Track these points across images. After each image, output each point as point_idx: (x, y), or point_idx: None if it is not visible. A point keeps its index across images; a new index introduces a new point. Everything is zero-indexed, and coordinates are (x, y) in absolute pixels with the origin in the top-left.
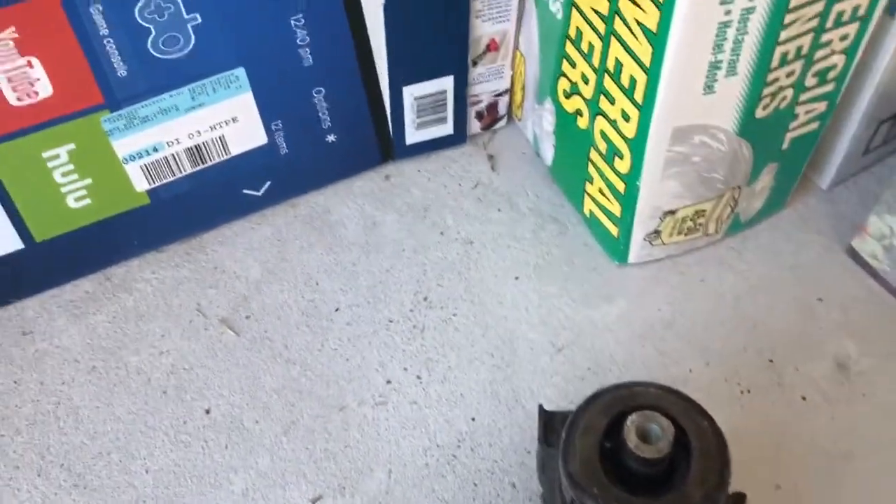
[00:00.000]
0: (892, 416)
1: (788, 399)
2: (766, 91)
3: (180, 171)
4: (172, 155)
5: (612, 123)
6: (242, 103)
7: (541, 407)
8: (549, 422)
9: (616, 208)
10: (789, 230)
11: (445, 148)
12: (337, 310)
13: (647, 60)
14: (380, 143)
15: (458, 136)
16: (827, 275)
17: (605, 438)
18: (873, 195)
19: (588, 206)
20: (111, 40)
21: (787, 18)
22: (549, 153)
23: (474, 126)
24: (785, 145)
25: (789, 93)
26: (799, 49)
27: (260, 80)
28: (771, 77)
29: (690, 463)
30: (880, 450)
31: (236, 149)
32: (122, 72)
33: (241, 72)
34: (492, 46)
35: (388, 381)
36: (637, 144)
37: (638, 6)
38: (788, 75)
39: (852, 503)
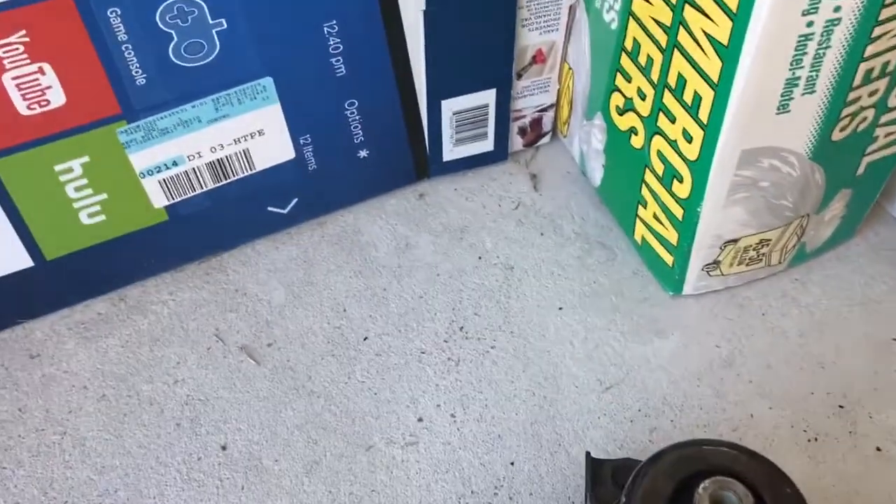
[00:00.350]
0: None
1: (861, 450)
2: (846, 111)
3: (201, 187)
4: (193, 169)
5: (672, 144)
6: (269, 115)
7: (588, 454)
8: (598, 471)
9: (672, 235)
10: (859, 261)
11: (485, 165)
12: (366, 339)
13: (715, 76)
14: (415, 160)
15: (499, 153)
16: None
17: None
18: None
19: (640, 231)
20: (129, 46)
21: (876, 31)
22: (597, 173)
23: (516, 143)
24: (860, 170)
25: (870, 113)
26: (885, 65)
27: (289, 90)
28: (852, 96)
29: None
30: None
31: (262, 163)
32: (140, 80)
33: (268, 81)
34: (538, 58)
35: (420, 419)
36: (700, 167)
37: (707, 16)
38: (871, 94)
39: None
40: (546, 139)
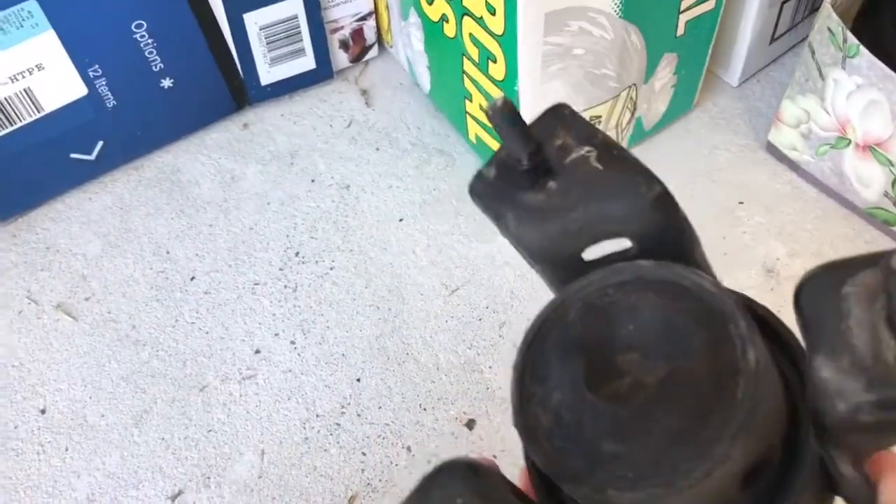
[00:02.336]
0: None
1: None
2: None
3: None
4: None
5: (480, 22)
6: (45, 45)
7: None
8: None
9: None
10: (701, 132)
11: (310, 86)
12: (192, 278)
13: None
14: (230, 87)
15: (323, 71)
16: (747, 174)
17: None
18: (787, 87)
19: (473, 129)
20: None
21: None
22: (425, 77)
23: (341, 59)
24: (680, 31)
25: None
26: None
27: (61, 14)
28: None
29: None
30: None
31: (51, 104)
32: None
33: (33, 5)
34: None
35: (257, 351)
36: (508, 41)
37: None
38: None
39: None
40: (373, 52)
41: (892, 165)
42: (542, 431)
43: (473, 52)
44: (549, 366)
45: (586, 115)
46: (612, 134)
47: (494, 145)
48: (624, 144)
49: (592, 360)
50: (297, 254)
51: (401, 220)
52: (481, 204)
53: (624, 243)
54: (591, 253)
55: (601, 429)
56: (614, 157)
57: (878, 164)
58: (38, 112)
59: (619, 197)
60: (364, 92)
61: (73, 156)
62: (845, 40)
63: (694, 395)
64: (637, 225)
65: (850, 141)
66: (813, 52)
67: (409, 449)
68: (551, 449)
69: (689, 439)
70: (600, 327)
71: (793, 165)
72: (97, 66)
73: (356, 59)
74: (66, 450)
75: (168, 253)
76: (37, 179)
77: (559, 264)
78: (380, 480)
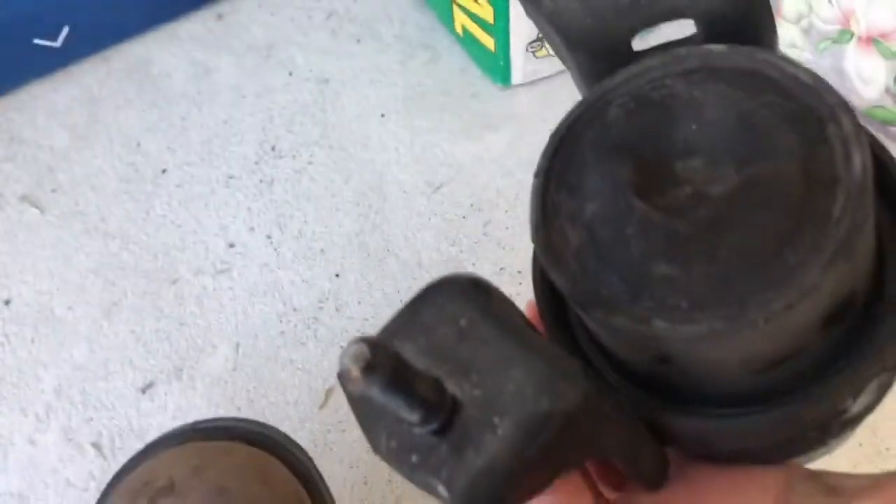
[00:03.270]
0: None
1: None
2: None
3: None
4: None
5: None
6: None
7: None
8: None
9: (488, 11)
10: None
11: None
12: (164, 171)
13: None
14: None
15: None
16: None
17: None
18: None
19: (459, 19)
20: None
21: None
22: None
23: None
24: None
25: None
26: None
27: None
28: None
29: None
30: None
31: None
32: None
33: None
34: None
35: (231, 245)
36: None
37: None
38: None
39: None
40: None
41: None
42: (570, 249)
43: None
44: (583, 171)
45: None
46: None
47: (482, 37)
48: None
49: (642, 165)
50: (273, 148)
51: (382, 115)
52: None
53: (686, 28)
54: (643, 42)
55: (650, 246)
56: None
57: (881, 58)
58: None
59: None
60: None
61: (38, 41)
62: None
63: (775, 210)
64: (709, 1)
65: (852, 34)
66: None
67: None
68: (581, 270)
69: (767, 263)
70: (653, 126)
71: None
72: None
73: None
74: (32, 341)
75: (138, 146)
76: (1, 66)
77: (602, 52)
78: None
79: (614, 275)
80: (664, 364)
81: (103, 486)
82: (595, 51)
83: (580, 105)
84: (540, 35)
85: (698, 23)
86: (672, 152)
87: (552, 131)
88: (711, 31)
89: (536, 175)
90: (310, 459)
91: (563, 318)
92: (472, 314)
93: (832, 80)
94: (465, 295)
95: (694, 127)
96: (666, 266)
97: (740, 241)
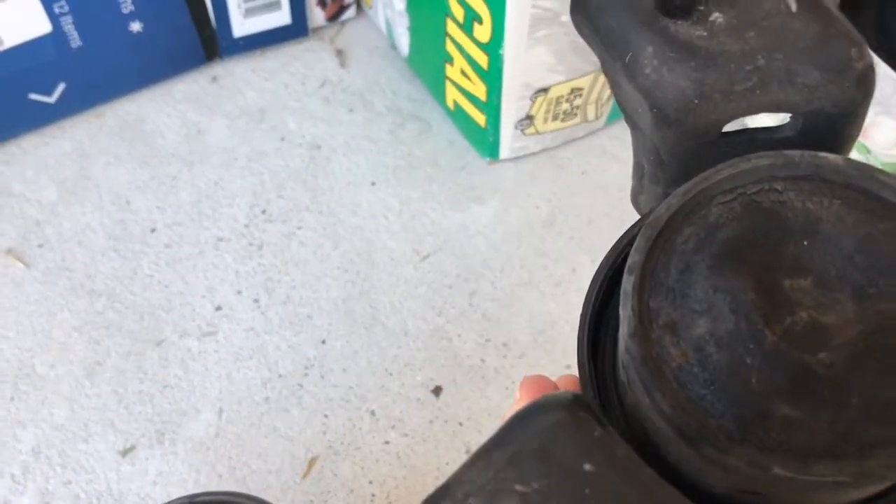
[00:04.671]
0: None
1: None
2: None
3: None
4: None
5: None
6: None
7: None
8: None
9: (481, 89)
10: None
11: (285, 42)
12: (153, 230)
13: None
14: (202, 36)
15: (298, 28)
16: None
17: None
18: None
19: (451, 95)
20: None
21: None
22: (404, 40)
23: (317, 17)
24: None
25: None
26: None
27: None
28: None
29: None
30: None
31: (12, 38)
32: None
33: None
34: None
35: (218, 308)
36: (497, 1)
37: None
38: None
39: None
40: (350, 13)
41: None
42: (670, 367)
43: (459, 12)
44: (689, 279)
45: (568, 87)
46: (592, 108)
47: (473, 113)
48: (602, 120)
49: (760, 283)
50: (263, 211)
51: (373, 183)
52: (598, 26)
53: (776, 118)
54: (733, 124)
55: (776, 382)
56: (815, 3)
57: None
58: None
59: (820, 57)
60: (339, 52)
61: (33, 96)
62: None
63: None
64: (823, 100)
65: None
66: None
67: (373, 413)
68: (682, 393)
69: (892, 413)
70: (763, 236)
71: None
72: (63, 1)
73: (333, 19)
74: (12, 399)
75: (128, 203)
76: None
77: (694, 131)
78: (341, 443)
79: (727, 406)
80: (752, 495)
81: None
82: (688, 130)
83: (678, 195)
84: (530, 113)
85: (796, 118)
86: (781, 268)
87: (647, 222)
88: (805, 125)
89: (630, 271)
90: None
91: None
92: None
93: None
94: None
95: (806, 243)
96: (791, 407)
97: (872, 388)
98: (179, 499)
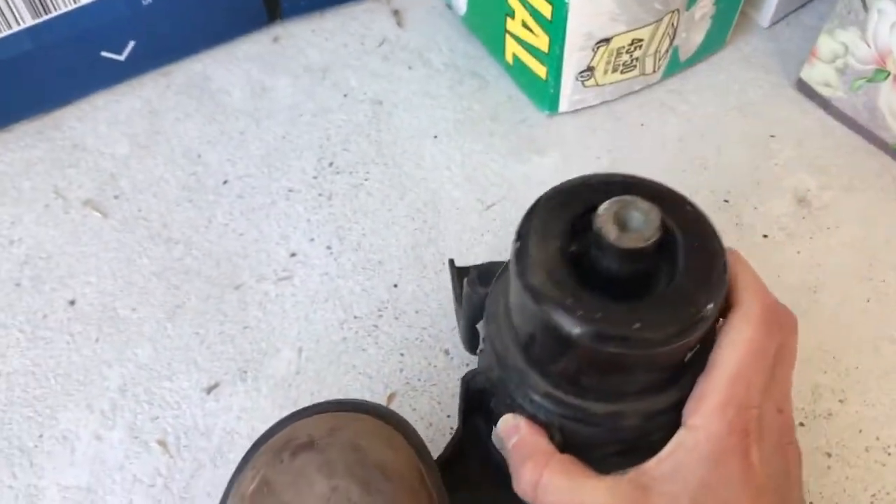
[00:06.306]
0: (857, 248)
1: (749, 238)
2: None
3: (18, 23)
4: (6, 1)
5: None
6: None
7: (451, 262)
8: (464, 275)
9: (543, 41)
10: (732, 69)
11: (343, 3)
12: (225, 182)
13: None
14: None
15: None
16: (777, 111)
17: (570, 243)
18: (817, 31)
19: (511, 49)
20: None
21: None
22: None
23: None
24: None
25: None
26: None
27: None
28: None
29: (678, 256)
30: (847, 281)
31: None
32: None
33: None
34: None
35: (293, 254)
36: None
37: None
38: None
39: (820, 336)
40: None
41: None
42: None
43: None
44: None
45: (629, 38)
46: (650, 60)
47: (534, 65)
48: (659, 74)
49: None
50: (330, 164)
51: (435, 136)
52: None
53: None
54: None
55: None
56: None
57: None
58: (75, 2)
59: None
60: (395, 13)
61: (104, 54)
62: None
63: None
64: None
65: (888, 73)
66: None
67: (447, 352)
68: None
69: None
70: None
71: (823, 103)
72: None
73: None
74: (97, 340)
75: (199, 157)
76: (66, 75)
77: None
78: (418, 380)
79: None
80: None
81: (170, 483)
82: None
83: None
84: (591, 64)
85: None
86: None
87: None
88: None
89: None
90: (420, 438)
91: None
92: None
93: (863, 117)
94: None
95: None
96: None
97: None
98: (320, 401)
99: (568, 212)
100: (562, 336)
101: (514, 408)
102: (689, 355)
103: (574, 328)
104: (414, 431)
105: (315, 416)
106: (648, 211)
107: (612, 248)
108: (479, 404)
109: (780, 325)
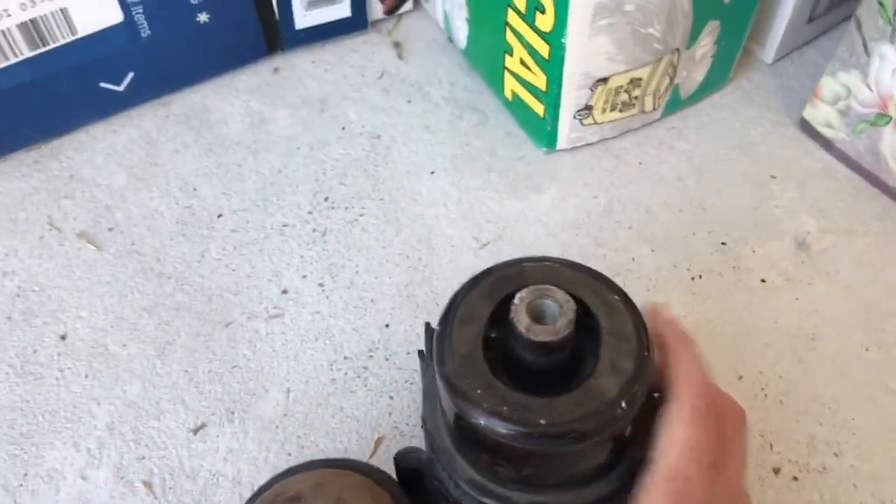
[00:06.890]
0: (856, 294)
1: (746, 283)
2: None
3: (16, 55)
4: (3, 32)
5: None
6: None
7: (427, 325)
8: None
9: (541, 80)
10: (734, 107)
11: (344, 35)
12: (220, 216)
13: None
14: (265, 28)
15: (358, 21)
16: (779, 150)
17: (491, 328)
18: (821, 69)
19: (509, 85)
20: None
21: None
22: (462, 31)
23: (376, 10)
24: None
25: None
26: None
27: None
28: None
29: (599, 349)
30: (845, 328)
31: (85, 27)
32: None
33: None
34: None
35: (284, 291)
36: None
37: None
38: None
39: (816, 386)
40: (408, 6)
41: None
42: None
43: (520, 2)
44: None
45: (627, 77)
46: (650, 99)
47: (532, 102)
48: (659, 112)
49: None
50: (326, 199)
51: (432, 172)
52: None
53: None
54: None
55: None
56: None
57: None
58: (73, 35)
59: None
60: (397, 45)
61: (103, 85)
62: None
63: None
64: None
65: (890, 118)
66: (859, 26)
67: None
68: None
69: None
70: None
71: (825, 144)
72: None
73: (390, 12)
74: (87, 377)
75: (195, 190)
76: (64, 105)
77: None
78: (406, 424)
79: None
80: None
81: None
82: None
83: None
84: (589, 103)
85: None
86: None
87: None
88: None
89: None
90: (404, 495)
91: None
92: None
93: (866, 160)
94: None
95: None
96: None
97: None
98: (310, 460)
99: (495, 296)
100: (472, 425)
101: (441, 491)
102: (612, 449)
103: (480, 419)
104: (398, 487)
105: (305, 472)
106: (564, 302)
107: (522, 339)
108: (414, 483)
109: (720, 418)
